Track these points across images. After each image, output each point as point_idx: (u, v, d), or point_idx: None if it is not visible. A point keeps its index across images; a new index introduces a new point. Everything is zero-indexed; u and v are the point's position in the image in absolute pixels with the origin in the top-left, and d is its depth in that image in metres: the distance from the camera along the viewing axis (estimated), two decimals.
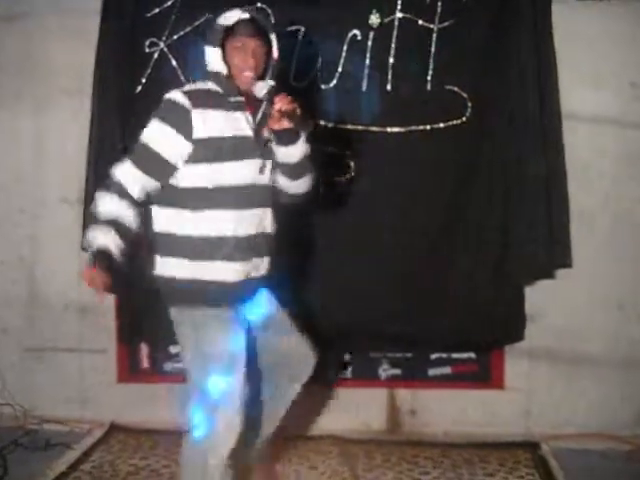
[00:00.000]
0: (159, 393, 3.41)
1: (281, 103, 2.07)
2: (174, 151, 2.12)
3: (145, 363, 3.46)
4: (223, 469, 2.17)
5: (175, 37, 3.25)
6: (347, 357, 3.43)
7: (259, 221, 2.23)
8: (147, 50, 3.25)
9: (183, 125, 2.10)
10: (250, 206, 2.19)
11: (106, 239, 2.10)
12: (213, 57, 2.16)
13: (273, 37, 2.17)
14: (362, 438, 3.31)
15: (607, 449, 3.17)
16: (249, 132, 2.19)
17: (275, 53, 2.20)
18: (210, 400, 2.16)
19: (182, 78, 3.24)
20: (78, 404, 3.47)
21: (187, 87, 2.23)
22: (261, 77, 2.20)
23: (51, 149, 3.43)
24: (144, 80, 3.26)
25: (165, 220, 2.21)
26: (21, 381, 3.48)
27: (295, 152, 2.21)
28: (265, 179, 2.24)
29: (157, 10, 3.25)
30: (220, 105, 2.14)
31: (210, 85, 2.19)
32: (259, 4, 3.20)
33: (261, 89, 2.13)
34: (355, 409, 3.41)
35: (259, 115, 2.19)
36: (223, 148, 2.12)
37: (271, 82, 2.17)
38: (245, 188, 2.17)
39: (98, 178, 3.19)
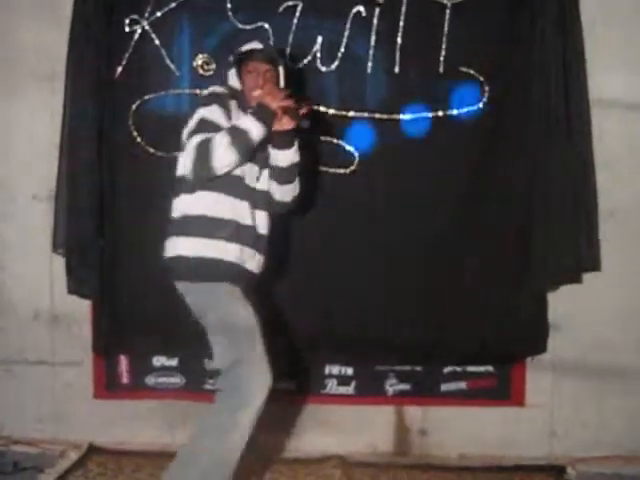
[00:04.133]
0: (141, 410, 3.40)
1: (279, 100, 2.52)
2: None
3: (125, 377, 3.42)
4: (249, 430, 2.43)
5: (158, 14, 3.21)
6: (350, 371, 3.40)
7: (256, 219, 2.62)
8: (127, 29, 3.22)
9: (227, 109, 2.55)
10: (247, 202, 2.59)
11: None
12: (231, 76, 2.71)
13: (280, 68, 2.67)
14: (367, 461, 3.29)
15: None
16: None
17: (282, 82, 2.66)
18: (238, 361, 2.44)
19: (166, 60, 3.22)
20: (51, 423, 3.43)
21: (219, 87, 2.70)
22: None
23: (19, 140, 3.37)
24: (124, 62, 3.23)
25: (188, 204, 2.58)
26: None
27: (287, 157, 2.64)
28: (261, 186, 2.66)
29: None
30: (242, 108, 2.61)
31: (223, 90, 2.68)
32: None
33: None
34: (359, 428, 3.39)
35: None
36: None
37: None
38: (246, 186, 2.59)
39: (71, 172, 3.23)
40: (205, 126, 2.47)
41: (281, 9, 3.18)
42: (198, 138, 2.44)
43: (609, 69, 3.18)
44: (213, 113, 2.50)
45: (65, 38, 3.19)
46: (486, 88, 3.17)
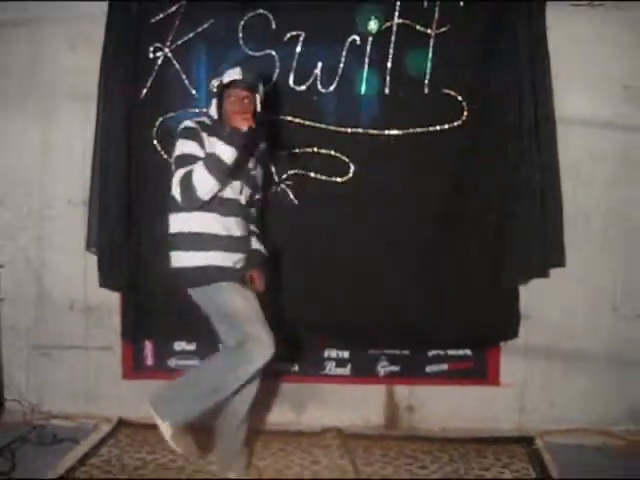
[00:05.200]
0: None
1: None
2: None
3: (149, 360, 3.67)
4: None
5: (179, 42, 3.47)
6: (346, 354, 3.63)
7: (241, 228, 2.87)
8: (151, 55, 3.47)
9: (200, 141, 2.75)
10: (232, 216, 2.84)
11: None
12: (213, 107, 2.88)
13: (257, 96, 2.84)
14: (361, 433, 3.51)
15: (600, 444, 3.36)
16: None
17: (258, 106, 2.83)
18: (240, 341, 2.72)
19: (186, 82, 3.49)
20: (84, 400, 3.68)
21: (194, 119, 2.87)
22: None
23: (57, 152, 3.64)
24: (149, 85, 3.47)
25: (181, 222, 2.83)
26: (29, 378, 3.71)
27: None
28: (242, 199, 2.88)
29: (161, 16, 3.47)
30: (216, 135, 2.74)
31: (207, 120, 2.86)
32: (260, 10, 3.46)
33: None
34: (355, 405, 3.61)
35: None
36: None
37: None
38: (230, 202, 2.83)
39: (103, 181, 3.48)
40: (184, 160, 2.71)
41: (286, 38, 3.40)
42: (181, 172, 2.68)
43: (572, 90, 3.40)
44: (190, 147, 2.72)
45: (97, 63, 3.43)
46: (465, 107, 3.36)
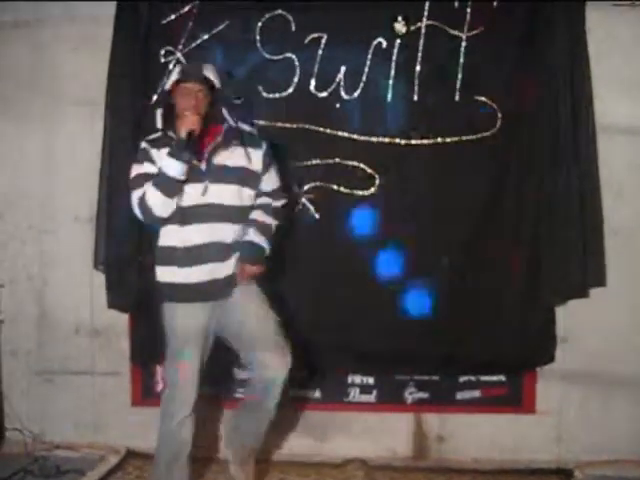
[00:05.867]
0: None
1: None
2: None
3: (160, 386, 3.48)
4: (187, 420, 2.88)
5: (192, 45, 3.32)
6: (371, 380, 3.50)
7: (210, 233, 2.77)
8: (162, 59, 3.33)
9: (150, 159, 2.76)
10: (197, 222, 2.76)
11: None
12: (158, 117, 2.84)
13: (214, 80, 2.78)
14: (388, 464, 3.39)
15: None
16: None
17: (217, 83, 2.78)
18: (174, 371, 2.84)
19: None
20: (90, 429, 3.56)
21: (147, 137, 2.84)
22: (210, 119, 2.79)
23: (61, 163, 3.51)
24: (159, 91, 3.30)
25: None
26: (30, 405, 3.57)
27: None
28: (210, 199, 2.76)
29: (173, 17, 3.33)
30: (169, 145, 2.74)
31: (160, 134, 2.83)
32: (279, 11, 3.31)
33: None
34: (380, 434, 3.48)
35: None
36: None
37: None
38: (190, 209, 2.75)
39: (112, 194, 3.33)
40: (136, 182, 2.73)
41: (307, 41, 3.27)
42: (135, 196, 2.72)
43: (614, 95, 3.26)
44: (141, 168, 2.74)
45: (104, 67, 3.30)
46: (499, 115, 3.23)
